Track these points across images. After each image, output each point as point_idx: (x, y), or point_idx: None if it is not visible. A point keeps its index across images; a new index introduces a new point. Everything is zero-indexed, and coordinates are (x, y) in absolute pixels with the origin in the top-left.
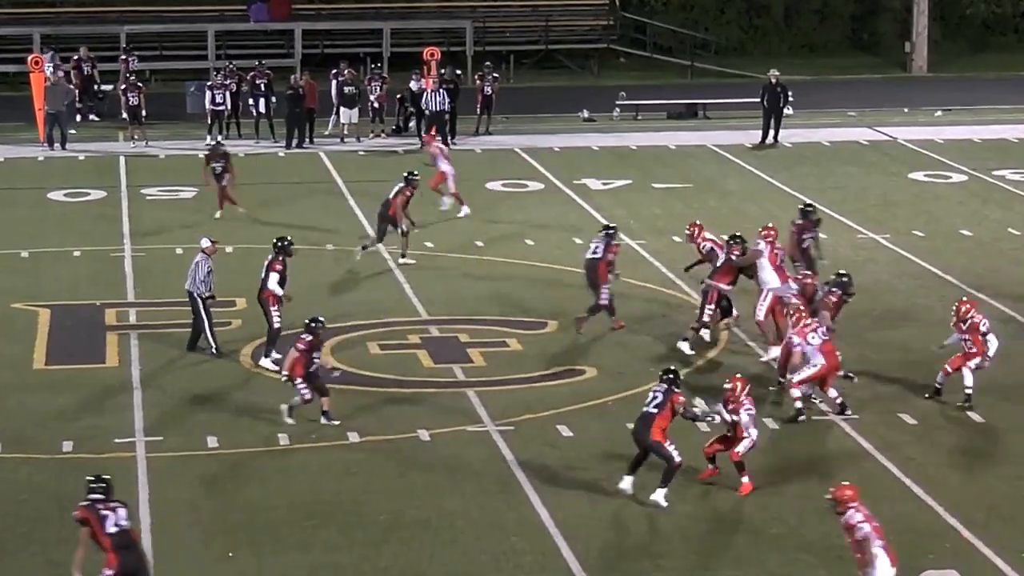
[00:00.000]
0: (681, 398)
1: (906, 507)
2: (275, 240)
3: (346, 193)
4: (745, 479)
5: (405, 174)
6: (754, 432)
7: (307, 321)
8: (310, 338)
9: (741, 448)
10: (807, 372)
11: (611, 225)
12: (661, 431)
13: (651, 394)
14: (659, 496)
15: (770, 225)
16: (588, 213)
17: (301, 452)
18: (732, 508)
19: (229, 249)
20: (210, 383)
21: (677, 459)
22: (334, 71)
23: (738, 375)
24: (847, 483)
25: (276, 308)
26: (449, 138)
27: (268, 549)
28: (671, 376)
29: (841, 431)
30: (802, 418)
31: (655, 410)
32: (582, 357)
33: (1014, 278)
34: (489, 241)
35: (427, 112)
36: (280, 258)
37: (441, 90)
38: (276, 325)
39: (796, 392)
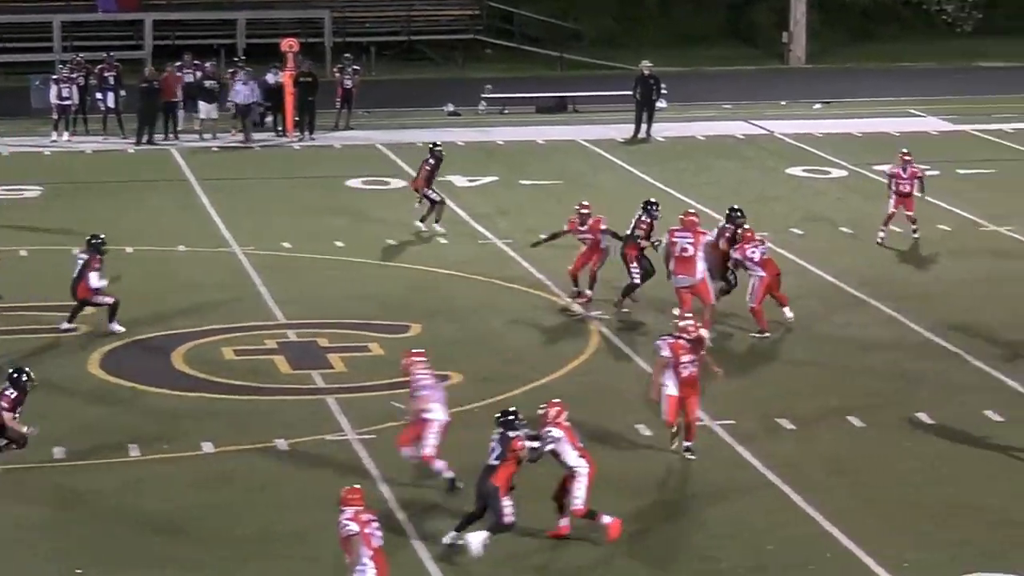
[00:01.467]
0: (521, 443)
1: (785, 516)
2: (89, 238)
3: (199, 191)
4: (606, 519)
5: (430, 145)
6: (580, 465)
7: (12, 373)
8: (15, 394)
9: (580, 498)
10: (755, 284)
11: (651, 200)
12: (504, 480)
13: (489, 445)
14: (476, 538)
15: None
16: (453, 211)
17: (152, 463)
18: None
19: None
20: (57, 391)
21: (507, 519)
22: (177, 64)
23: (556, 400)
24: (356, 487)
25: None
26: (308, 134)
27: (118, 567)
28: (506, 420)
29: (716, 437)
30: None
31: (496, 462)
32: (447, 362)
33: (896, 277)
34: (350, 241)
35: (233, 105)
36: (96, 256)
37: (250, 82)
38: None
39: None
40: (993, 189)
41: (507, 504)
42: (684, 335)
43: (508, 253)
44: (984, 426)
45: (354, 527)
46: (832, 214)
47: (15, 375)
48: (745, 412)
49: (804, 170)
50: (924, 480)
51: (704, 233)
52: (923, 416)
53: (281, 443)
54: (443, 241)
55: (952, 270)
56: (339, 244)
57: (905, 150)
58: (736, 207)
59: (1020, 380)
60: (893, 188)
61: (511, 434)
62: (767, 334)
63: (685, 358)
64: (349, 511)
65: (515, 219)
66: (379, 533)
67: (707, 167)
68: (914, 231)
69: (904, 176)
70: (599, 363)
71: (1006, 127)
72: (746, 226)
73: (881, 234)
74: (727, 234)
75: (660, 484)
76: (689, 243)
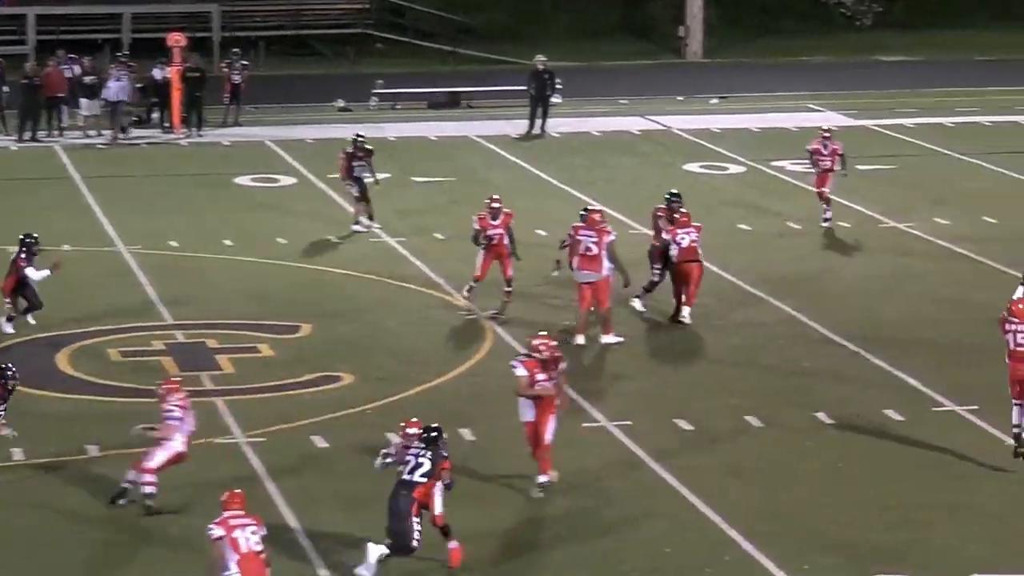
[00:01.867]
0: (448, 464)
1: (683, 518)
2: (22, 236)
3: (84, 189)
4: (453, 544)
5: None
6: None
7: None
8: None
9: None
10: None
11: (674, 193)
12: (422, 499)
13: (411, 459)
14: (372, 553)
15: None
16: (343, 209)
17: (36, 468)
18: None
19: None
20: None
21: (414, 542)
22: (51, 60)
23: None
24: (236, 491)
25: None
26: (195, 130)
27: None
28: (438, 437)
29: (612, 438)
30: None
31: (420, 479)
32: (339, 362)
33: (795, 275)
34: (239, 240)
35: (103, 102)
36: (23, 255)
37: (123, 78)
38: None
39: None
40: (893, 185)
41: (417, 526)
42: (536, 353)
43: (401, 252)
44: (885, 425)
45: (217, 531)
46: (730, 211)
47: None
48: (642, 413)
49: (701, 166)
50: (824, 481)
51: (608, 232)
52: (823, 416)
53: None
54: (334, 239)
55: (851, 267)
56: (228, 243)
57: (825, 127)
58: (674, 192)
59: (920, 378)
60: (815, 167)
61: (444, 454)
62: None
63: (539, 376)
64: (222, 516)
65: (408, 217)
66: (256, 538)
67: (603, 163)
68: (825, 212)
69: (825, 153)
70: (493, 364)
71: (906, 122)
72: (683, 210)
73: (827, 215)
74: (660, 221)
75: (555, 486)
76: (593, 242)
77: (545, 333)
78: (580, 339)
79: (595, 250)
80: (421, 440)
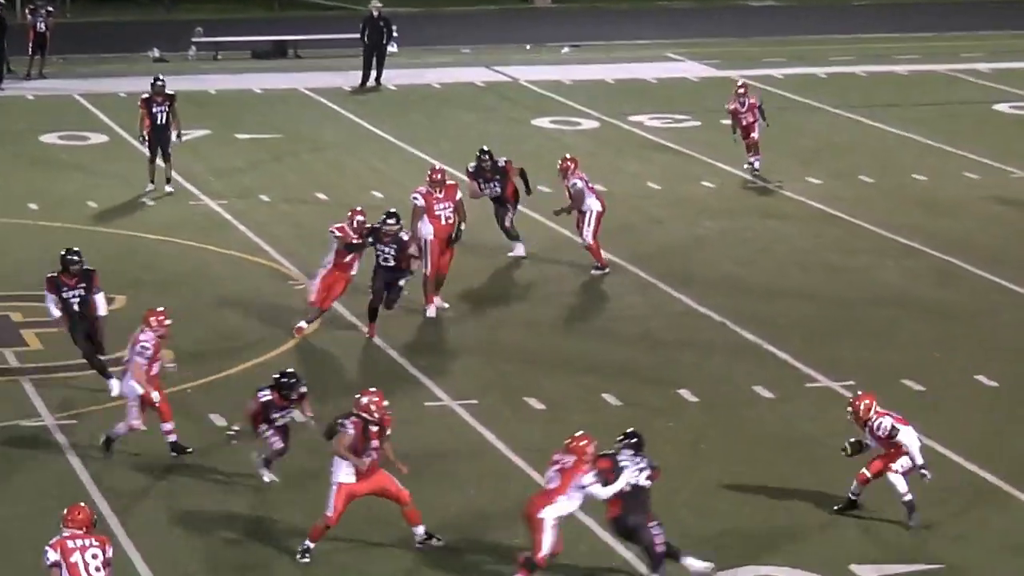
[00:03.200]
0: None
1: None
2: None
3: None
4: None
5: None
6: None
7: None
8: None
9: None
10: (590, 219)
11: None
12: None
13: (634, 465)
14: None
15: (568, 156)
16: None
17: None
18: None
19: None
20: None
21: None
22: None
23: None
24: (80, 505)
25: None
26: None
27: None
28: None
29: (457, 418)
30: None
31: (647, 483)
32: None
33: (652, 238)
34: (46, 204)
35: None
36: None
37: None
38: None
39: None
40: (761, 142)
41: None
42: (365, 414)
43: (223, 216)
44: (754, 403)
45: (53, 555)
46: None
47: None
48: (489, 390)
49: (552, 121)
50: (684, 464)
51: (455, 187)
52: (685, 393)
53: None
54: (150, 203)
55: (716, 231)
56: (33, 207)
57: (740, 82)
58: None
59: (792, 352)
60: (736, 128)
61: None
62: (606, 269)
63: (372, 443)
64: (60, 536)
65: (230, 178)
66: (97, 563)
67: (444, 118)
68: (754, 162)
69: (743, 110)
70: (324, 336)
71: (775, 72)
72: (567, 156)
73: (754, 160)
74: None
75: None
76: (451, 211)
77: (375, 389)
78: (431, 310)
79: (453, 217)
80: (631, 447)
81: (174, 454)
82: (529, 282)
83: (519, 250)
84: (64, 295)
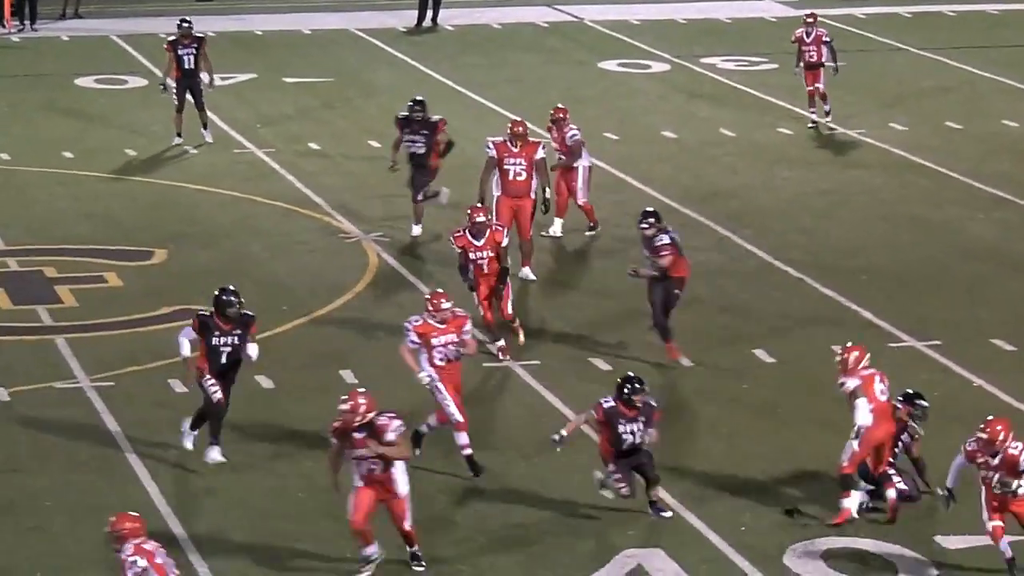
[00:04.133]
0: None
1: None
2: None
3: None
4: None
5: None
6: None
7: None
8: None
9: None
10: (584, 177)
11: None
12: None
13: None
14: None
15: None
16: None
17: None
18: None
19: None
20: None
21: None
22: None
23: None
24: (132, 514)
25: None
26: (28, 23)
27: None
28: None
29: (519, 380)
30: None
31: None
32: (197, 294)
33: (726, 190)
34: (81, 152)
35: None
36: None
37: None
38: None
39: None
40: (841, 86)
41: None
42: (344, 421)
43: (270, 165)
44: (832, 364)
45: (141, 562)
46: (653, 116)
47: None
48: (551, 351)
49: (620, 64)
50: (761, 428)
51: (537, 146)
52: (761, 353)
53: (1, 392)
54: (192, 151)
55: (793, 182)
56: (68, 155)
57: (808, 11)
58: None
59: (874, 309)
60: (800, 60)
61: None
62: (598, 229)
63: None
64: (130, 545)
65: (277, 125)
66: (172, 562)
67: (505, 62)
68: (826, 112)
69: (808, 41)
70: (378, 294)
71: (856, 12)
72: (560, 105)
73: (813, 117)
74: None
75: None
76: (523, 167)
77: (363, 390)
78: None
79: (524, 175)
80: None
81: (472, 474)
82: (593, 239)
83: (415, 230)
84: (214, 342)
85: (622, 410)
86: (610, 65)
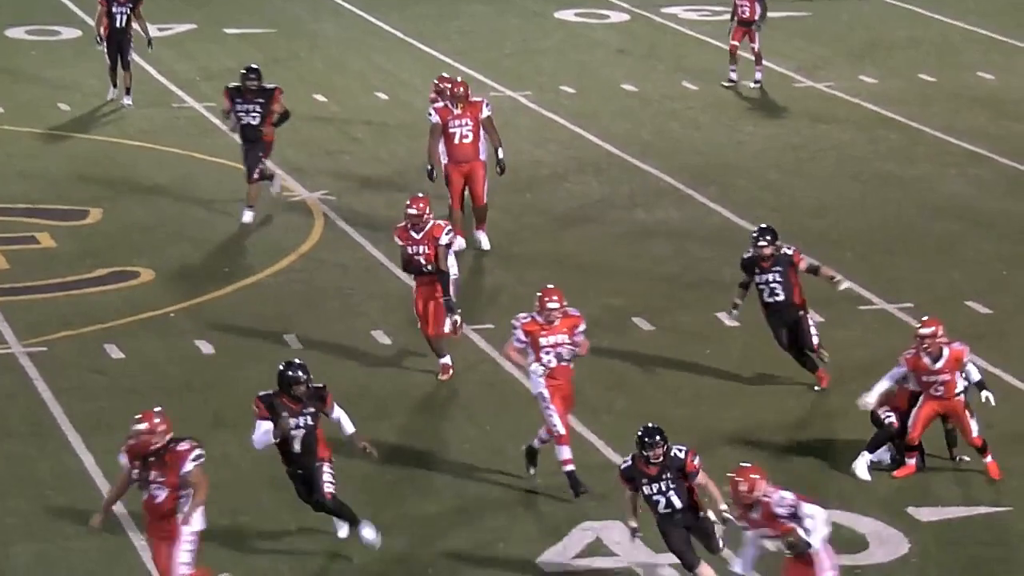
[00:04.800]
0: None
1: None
2: None
3: None
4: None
5: None
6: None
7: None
8: None
9: None
10: None
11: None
12: None
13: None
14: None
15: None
16: (140, 67)
17: None
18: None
19: None
20: None
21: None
22: None
23: None
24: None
25: None
26: None
27: None
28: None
29: (472, 344)
30: None
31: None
32: (135, 256)
33: (689, 145)
34: (10, 106)
35: None
36: None
37: None
38: None
39: None
40: (809, 36)
41: None
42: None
43: (210, 121)
44: None
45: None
46: (612, 69)
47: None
48: (505, 313)
49: (577, 14)
50: (726, 394)
51: (482, 105)
52: (724, 317)
53: None
54: (127, 104)
55: (759, 136)
56: None
57: None
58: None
59: (844, 271)
60: (734, 15)
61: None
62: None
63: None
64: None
65: (219, 78)
66: None
67: (456, 11)
68: (757, 76)
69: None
70: (323, 256)
71: None
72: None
73: (732, 75)
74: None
75: (416, 402)
76: (469, 129)
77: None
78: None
79: (471, 137)
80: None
81: (572, 491)
82: (550, 191)
83: (247, 216)
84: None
85: (641, 468)
86: (567, 15)
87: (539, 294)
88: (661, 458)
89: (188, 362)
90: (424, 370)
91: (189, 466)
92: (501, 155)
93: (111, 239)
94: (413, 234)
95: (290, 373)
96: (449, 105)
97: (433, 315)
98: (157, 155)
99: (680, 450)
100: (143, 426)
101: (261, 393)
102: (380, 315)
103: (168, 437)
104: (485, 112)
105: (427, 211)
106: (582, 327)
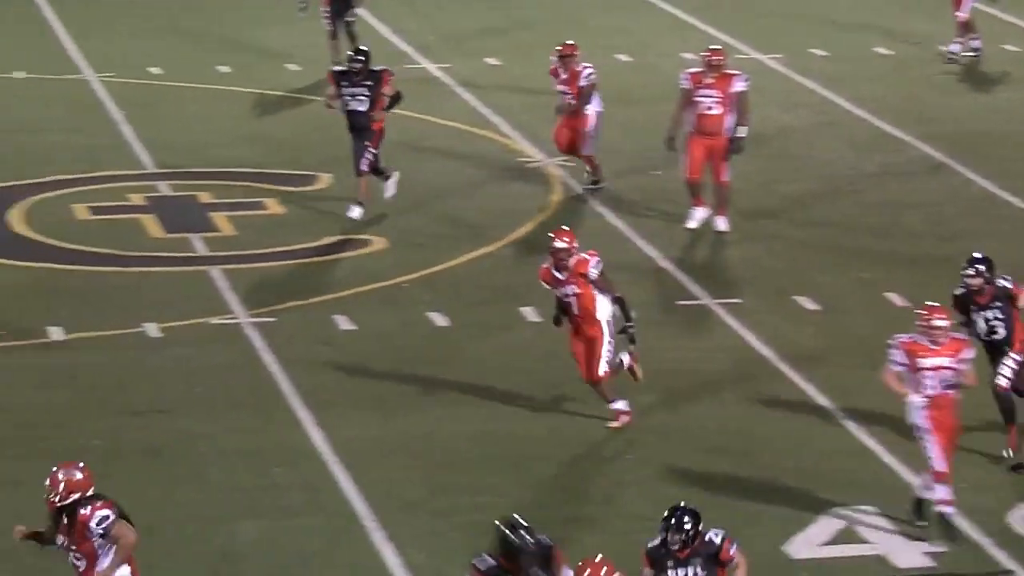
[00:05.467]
0: None
1: (820, 429)
2: None
3: (41, 1)
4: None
5: None
6: None
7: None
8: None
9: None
10: None
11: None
12: None
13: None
14: None
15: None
16: (372, 28)
17: None
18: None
19: None
20: None
21: None
22: None
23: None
24: None
25: None
26: None
27: None
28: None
29: (716, 318)
30: None
31: None
32: (367, 223)
33: (947, 113)
34: (238, 65)
35: None
36: None
37: None
38: None
39: None
40: None
41: None
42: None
43: (444, 82)
44: None
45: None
46: (865, 33)
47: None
48: (753, 287)
49: None
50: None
51: (736, 78)
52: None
53: (151, 328)
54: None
55: (1018, 103)
56: (223, 69)
57: None
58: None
59: None
60: None
61: None
62: (603, 183)
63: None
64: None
65: (456, 41)
66: None
67: None
68: (973, 48)
69: None
70: (561, 224)
71: None
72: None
73: (954, 47)
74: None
75: (662, 381)
76: (715, 100)
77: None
78: (700, 213)
79: (718, 109)
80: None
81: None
82: (798, 166)
83: (354, 212)
84: None
85: (670, 549)
86: None
87: (921, 311)
88: (688, 546)
89: (421, 335)
90: (675, 346)
91: (96, 532)
92: (740, 134)
93: (341, 205)
94: (557, 274)
95: (515, 539)
96: (703, 72)
97: (586, 357)
98: (388, 118)
99: (716, 535)
100: (48, 481)
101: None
102: (622, 288)
103: (73, 497)
104: (738, 86)
105: (573, 244)
106: (967, 353)
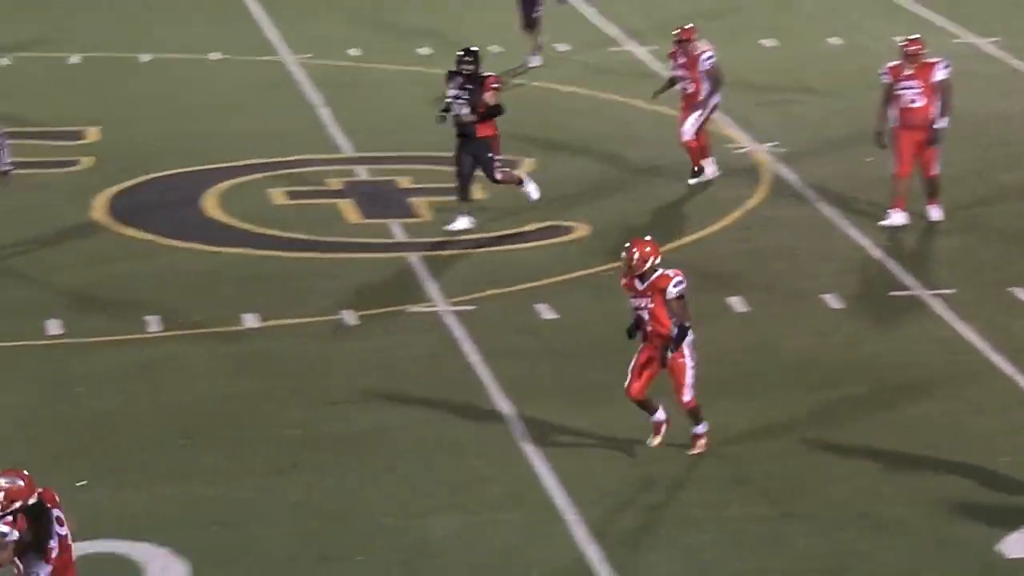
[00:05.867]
0: None
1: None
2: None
3: None
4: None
5: None
6: None
7: None
8: None
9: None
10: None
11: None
12: None
13: None
14: None
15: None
16: (575, 10)
17: (175, 342)
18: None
19: None
20: (49, 244)
21: None
22: None
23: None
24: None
25: None
26: None
27: (131, 477)
28: None
29: (929, 311)
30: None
31: None
32: (570, 208)
33: None
34: (439, 46)
35: None
36: None
37: None
38: None
39: None
40: None
41: None
42: None
43: (649, 66)
44: None
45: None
46: None
47: None
48: (967, 277)
49: None
50: None
51: (938, 66)
52: None
53: (348, 316)
54: (561, 48)
55: None
56: (423, 51)
57: None
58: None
59: None
60: None
61: None
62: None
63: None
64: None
65: (665, 23)
66: None
67: None
68: None
69: None
70: (770, 213)
71: None
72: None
73: None
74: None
75: (865, 373)
76: (917, 92)
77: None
78: (898, 218)
79: (921, 101)
80: None
81: None
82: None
83: (460, 223)
84: None
85: None
86: None
87: None
88: None
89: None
90: (886, 337)
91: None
92: (942, 124)
93: (543, 191)
94: (637, 283)
95: None
96: (902, 64)
97: (638, 374)
98: (592, 102)
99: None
100: None
101: None
102: (831, 278)
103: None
104: (939, 74)
105: (653, 256)
106: None
